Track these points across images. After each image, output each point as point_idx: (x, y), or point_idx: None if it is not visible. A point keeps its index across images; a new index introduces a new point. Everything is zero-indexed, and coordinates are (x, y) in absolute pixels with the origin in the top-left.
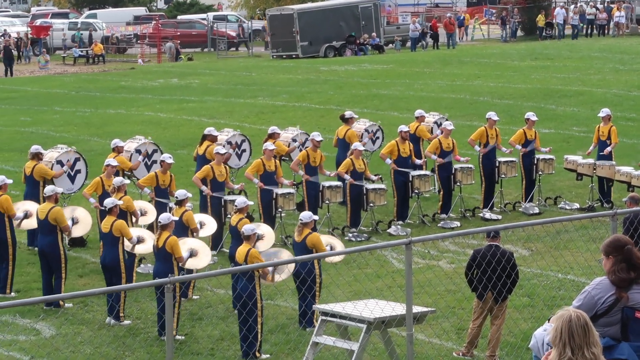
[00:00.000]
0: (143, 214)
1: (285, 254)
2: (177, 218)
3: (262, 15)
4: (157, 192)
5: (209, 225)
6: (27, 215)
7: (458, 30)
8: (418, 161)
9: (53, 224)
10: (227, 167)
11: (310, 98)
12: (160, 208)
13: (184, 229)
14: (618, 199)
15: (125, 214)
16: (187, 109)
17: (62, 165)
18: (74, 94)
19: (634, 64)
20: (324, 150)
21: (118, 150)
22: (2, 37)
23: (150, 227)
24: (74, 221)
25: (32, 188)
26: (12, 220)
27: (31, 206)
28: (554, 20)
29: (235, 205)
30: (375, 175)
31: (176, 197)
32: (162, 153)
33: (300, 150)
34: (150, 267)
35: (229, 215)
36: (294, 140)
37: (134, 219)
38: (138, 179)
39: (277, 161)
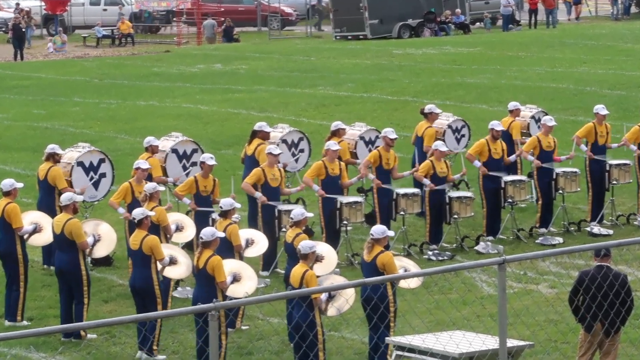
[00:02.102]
0: (180, 229)
1: (338, 280)
2: (222, 234)
3: None
4: (198, 200)
5: (260, 243)
6: (36, 229)
7: (575, 7)
8: (512, 158)
9: (70, 239)
10: (282, 170)
11: (381, 88)
12: (201, 221)
13: (228, 246)
14: None
15: (158, 227)
16: (233, 100)
17: (86, 172)
18: (97, 82)
19: None
20: (397, 151)
21: (152, 150)
22: (14, 13)
23: (189, 245)
24: (96, 239)
25: (47, 195)
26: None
27: (42, 218)
28: None
29: (291, 218)
30: (459, 175)
31: (220, 207)
32: (202, 153)
33: (370, 151)
34: (189, 290)
35: (283, 229)
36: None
37: (167, 235)
38: (175, 184)
39: (342, 164)
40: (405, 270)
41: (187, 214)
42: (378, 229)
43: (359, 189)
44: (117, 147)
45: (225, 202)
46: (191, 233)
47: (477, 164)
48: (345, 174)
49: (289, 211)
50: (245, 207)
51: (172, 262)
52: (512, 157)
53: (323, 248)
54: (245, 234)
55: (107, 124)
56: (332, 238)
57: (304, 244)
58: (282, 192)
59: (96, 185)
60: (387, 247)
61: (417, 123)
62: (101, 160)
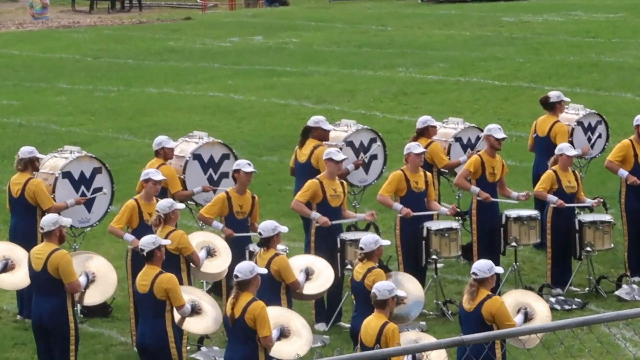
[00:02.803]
0: (211, 254)
1: (424, 338)
2: (264, 270)
3: None
4: (230, 224)
5: (322, 272)
6: (7, 266)
7: None
8: None
9: (56, 278)
10: (345, 183)
11: (486, 69)
12: (235, 254)
13: (274, 286)
14: None
15: (175, 260)
16: (279, 87)
17: (75, 187)
18: (91, 61)
19: None
20: (507, 157)
21: (165, 154)
22: None
23: (215, 288)
24: (90, 279)
25: (23, 218)
26: None
27: (14, 250)
28: None
29: (361, 248)
30: (594, 199)
31: (260, 234)
32: (236, 160)
33: (469, 157)
34: (217, 351)
35: (348, 267)
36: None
37: (190, 271)
38: (198, 204)
39: (429, 175)
40: (527, 317)
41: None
42: (483, 266)
43: (458, 211)
44: (118, 152)
45: (266, 227)
46: (224, 262)
47: (623, 173)
48: (433, 189)
49: (357, 241)
50: (297, 233)
51: (195, 311)
52: None
53: (404, 283)
54: (301, 261)
55: (104, 120)
56: (415, 278)
57: (382, 286)
58: (346, 214)
59: (89, 204)
60: (495, 291)
61: (536, 118)
62: (96, 170)
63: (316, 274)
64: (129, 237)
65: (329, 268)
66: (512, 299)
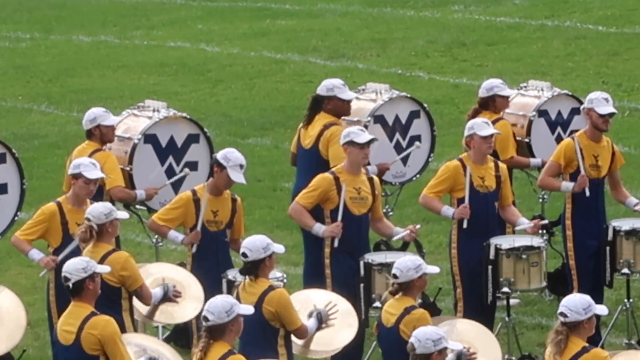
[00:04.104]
0: (171, 297)
1: None
2: (249, 309)
3: None
4: (200, 241)
5: (335, 331)
6: None
7: None
8: None
9: None
10: (376, 179)
11: (585, 8)
12: (208, 280)
13: (267, 334)
14: None
15: (114, 295)
16: (274, 35)
17: None
18: None
19: None
20: (616, 140)
21: (102, 136)
22: None
23: (179, 334)
24: None
25: None
26: None
27: None
28: None
29: (395, 276)
30: None
31: (244, 256)
32: (209, 144)
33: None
34: None
35: (376, 304)
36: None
37: (141, 309)
38: (150, 210)
39: (503, 167)
40: None
41: (181, 265)
42: (576, 303)
43: (543, 224)
44: (31, 131)
45: (254, 245)
46: (194, 303)
47: None
48: (509, 189)
49: (388, 266)
50: (300, 254)
51: None
52: None
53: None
54: (314, 298)
55: (10, 83)
56: (476, 320)
57: (424, 334)
58: (378, 227)
59: None
60: (593, 341)
61: None
62: None
63: (333, 321)
64: (35, 254)
65: (352, 315)
66: None
